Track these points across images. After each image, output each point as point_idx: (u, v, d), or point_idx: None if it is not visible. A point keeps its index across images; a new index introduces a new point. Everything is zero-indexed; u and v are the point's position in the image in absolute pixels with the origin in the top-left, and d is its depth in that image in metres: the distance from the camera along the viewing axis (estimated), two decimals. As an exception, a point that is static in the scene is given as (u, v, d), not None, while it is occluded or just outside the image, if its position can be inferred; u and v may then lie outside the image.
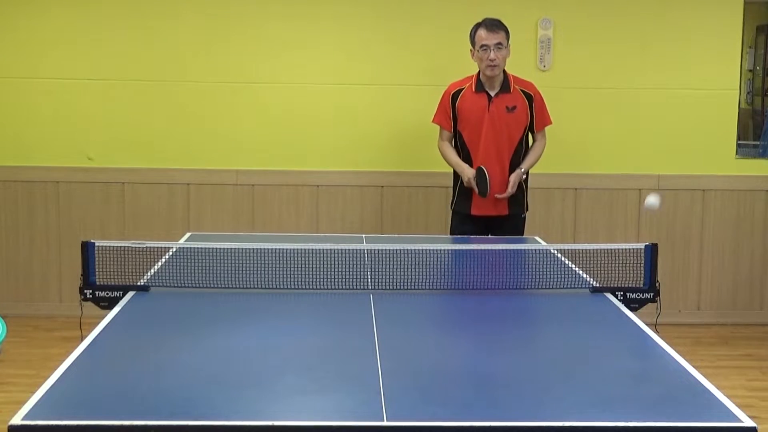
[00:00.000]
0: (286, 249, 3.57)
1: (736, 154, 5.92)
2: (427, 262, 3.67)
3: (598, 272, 3.50)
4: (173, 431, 2.07)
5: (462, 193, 5.00)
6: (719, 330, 5.87)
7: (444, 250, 3.99)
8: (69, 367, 2.43)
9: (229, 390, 2.29)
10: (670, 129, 5.82)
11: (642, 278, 3.36)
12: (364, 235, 4.53)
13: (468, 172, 4.89)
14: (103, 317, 2.94)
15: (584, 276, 3.51)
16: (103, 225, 5.78)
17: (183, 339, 2.76)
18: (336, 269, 3.45)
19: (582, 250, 3.71)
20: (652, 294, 3.33)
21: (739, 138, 5.93)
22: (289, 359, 2.58)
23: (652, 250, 3.35)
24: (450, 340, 2.90)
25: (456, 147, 5.03)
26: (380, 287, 3.32)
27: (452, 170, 5.06)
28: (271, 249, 3.52)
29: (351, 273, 3.40)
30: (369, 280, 3.38)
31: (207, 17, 5.70)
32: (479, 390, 2.35)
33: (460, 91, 4.96)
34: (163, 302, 3.21)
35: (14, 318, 5.33)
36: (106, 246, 3.38)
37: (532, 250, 4.01)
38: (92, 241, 3.33)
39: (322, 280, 3.39)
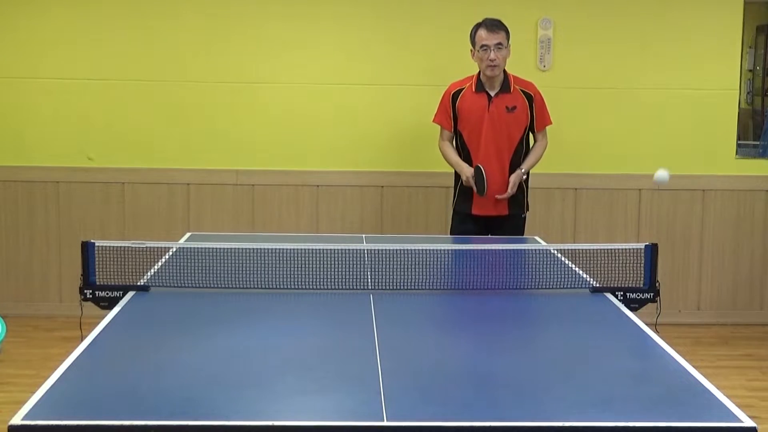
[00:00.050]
0: (286, 249, 3.57)
1: (736, 154, 5.92)
2: (427, 262, 3.67)
3: (598, 272, 3.50)
4: (173, 431, 2.07)
5: (462, 192, 5.00)
6: (719, 330, 5.87)
7: (444, 250, 3.99)
8: (69, 367, 2.43)
9: (229, 390, 2.29)
10: (670, 129, 5.82)
11: (642, 278, 3.36)
12: (364, 235, 4.54)
13: (467, 171, 4.89)
14: (103, 317, 2.94)
15: (584, 276, 3.51)
16: (103, 225, 5.78)
17: (183, 339, 2.76)
18: (336, 269, 3.45)
19: (582, 250, 3.71)
20: (652, 294, 3.33)
21: (739, 138, 5.93)
22: (289, 359, 2.58)
23: (652, 250, 3.35)
24: (450, 340, 2.90)
25: (456, 147, 5.03)
26: (380, 287, 3.32)
27: (453, 170, 5.06)
28: (271, 249, 3.52)
29: (351, 273, 3.40)
30: (369, 280, 3.38)
31: (207, 17, 5.70)
32: (479, 390, 2.35)
33: (460, 91, 4.96)
34: (163, 302, 3.21)
35: (14, 318, 5.33)
36: (106, 246, 3.38)
37: (532, 250, 4.02)
38: (92, 241, 3.33)
39: (322, 280, 3.38)
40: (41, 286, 5.87)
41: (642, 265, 3.37)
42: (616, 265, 3.49)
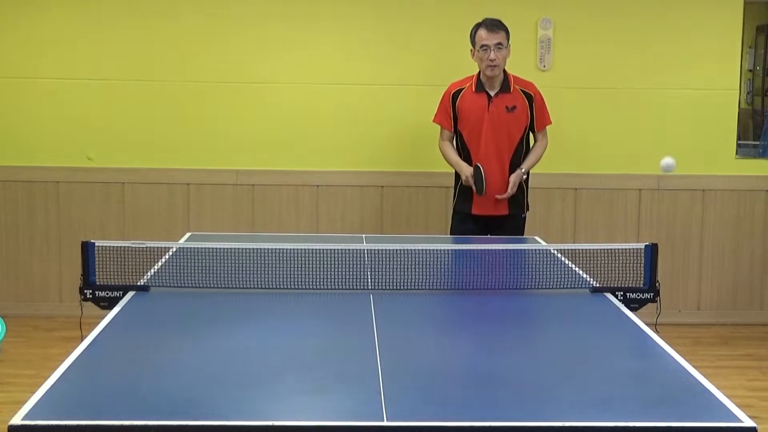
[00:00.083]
0: (286, 249, 3.57)
1: (736, 154, 5.92)
2: (427, 262, 3.67)
3: (598, 272, 3.50)
4: (173, 431, 2.07)
5: (462, 192, 5.00)
6: (719, 330, 5.87)
7: (444, 250, 3.99)
8: (69, 367, 2.43)
9: (229, 390, 2.29)
10: (670, 129, 5.81)
11: (642, 278, 3.36)
12: (364, 235, 4.54)
13: (466, 171, 4.90)
14: (103, 317, 2.94)
15: (584, 276, 3.51)
16: (103, 225, 5.78)
17: (183, 339, 2.76)
18: (336, 269, 3.45)
19: (582, 250, 3.71)
20: (652, 294, 3.33)
21: (739, 138, 5.93)
22: (289, 359, 2.58)
23: (652, 250, 3.35)
24: (450, 340, 2.90)
25: (456, 147, 5.03)
26: (380, 287, 3.32)
27: (453, 170, 5.06)
28: (271, 249, 3.52)
29: (351, 273, 3.40)
30: (369, 280, 3.38)
31: (207, 17, 5.70)
32: (479, 390, 2.35)
33: (460, 90, 4.97)
34: (163, 302, 3.21)
35: (14, 318, 5.33)
36: (106, 246, 3.38)
37: (532, 250, 4.02)
38: (92, 241, 3.33)
39: (322, 280, 3.38)
40: (41, 286, 5.87)
41: (642, 265, 3.37)
42: (616, 265, 3.49)
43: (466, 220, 5.00)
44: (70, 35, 5.69)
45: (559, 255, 3.82)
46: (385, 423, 2.09)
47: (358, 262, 3.48)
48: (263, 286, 3.29)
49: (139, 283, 3.31)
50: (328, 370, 2.48)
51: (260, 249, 3.52)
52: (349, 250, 3.57)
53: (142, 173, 5.77)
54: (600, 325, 3.07)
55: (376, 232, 5.70)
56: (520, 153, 4.98)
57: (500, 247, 3.99)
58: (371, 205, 5.82)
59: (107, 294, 3.24)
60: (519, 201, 5.00)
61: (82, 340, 2.67)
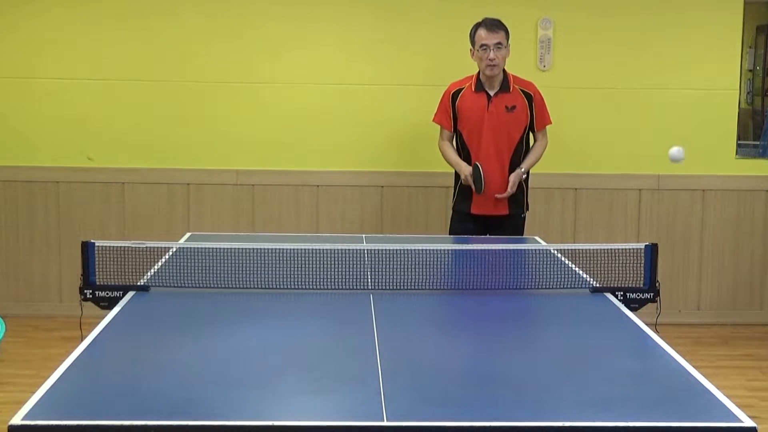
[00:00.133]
0: (286, 249, 3.57)
1: (736, 154, 5.92)
2: (427, 262, 3.67)
3: (598, 272, 3.50)
4: (173, 431, 2.07)
5: (462, 192, 5.01)
6: (719, 330, 5.87)
7: (444, 250, 3.98)
8: (69, 367, 2.43)
9: (229, 390, 2.29)
10: (670, 129, 5.81)
11: (642, 278, 3.36)
12: (364, 235, 4.53)
13: (465, 170, 4.90)
14: (103, 317, 2.94)
15: (584, 276, 3.51)
16: (103, 225, 5.78)
17: (183, 339, 2.76)
18: (336, 269, 3.45)
19: (582, 250, 3.71)
20: (652, 294, 3.33)
21: (739, 138, 5.93)
22: (289, 359, 2.58)
23: (652, 250, 3.35)
24: (450, 340, 2.90)
25: (456, 147, 5.04)
26: (380, 287, 3.32)
27: (453, 170, 5.06)
28: (271, 249, 3.52)
29: (351, 273, 3.40)
30: (369, 280, 3.38)
31: (207, 17, 5.70)
32: (479, 390, 2.35)
33: (459, 90, 4.97)
34: (163, 302, 3.21)
35: (14, 318, 5.34)
36: (106, 246, 3.38)
37: (532, 250, 4.01)
38: (92, 241, 3.33)
39: (322, 280, 3.38)
40: (41, 286, 5.87)
41: (642, 265, 3.37)
42: (616, 265, 3.49)
43: (465, 220, 5.00)
44: (70, 35, 5.69)
45: (559, 255, 3.82)
46: (385, 423, 2.09)
47: (358, 262, 3.48)
48: (263, 286, 3.29)
49: (139, 283, 3.31)
50: (328, 370, 2.48)
51: (260, 249, 3.52)
52: (349, 250, 3.57)
53: (142, 173, 5.77)
54: (600, 325, 3.07)
55: (376, 232, 5.70)
56: (520, 153, 4.98)
57: (500, 247, 3.99)
58: (371, 205, 5.82)
59: (107, 294, 3.24)
60: (519, 201, 5.00)
61: (82, 340, 2.67)
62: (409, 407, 2.20)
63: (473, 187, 4.86)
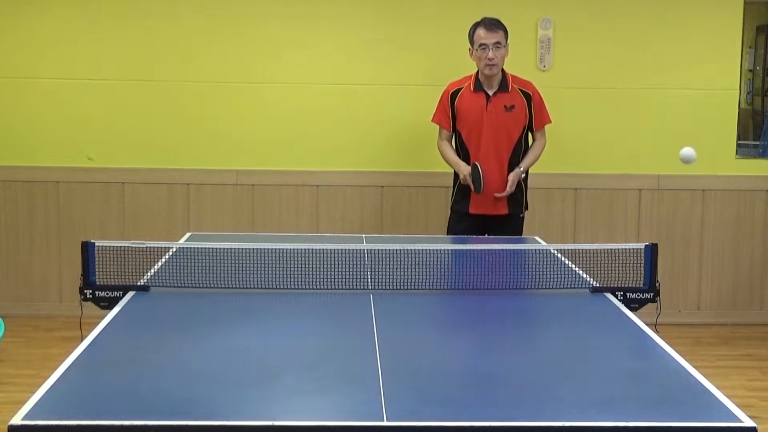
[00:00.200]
0: (286, 249, 3.57)
1: (736, 154, 5.92)
2: (427, 262, 3.67)
3: (598, 272, 3.50)
4: (173, 431, 2.07)
5: (460, 191, 5.01)
6: (719, 330, 5.87)
7: (444, 250, 3.98)
8: (69, 367, 2.43)
9: (229, 390, 2.29)
10: (670, 129, 5.81)
11: (642, 278, 3.36)
12: (364, 235, 4.53)
13: (464, 170, 4.90)
14: (103, 317, 2.94)
15: (584, 276, 3.51)
16: (103, 225, 5.78)
17: (183, 339, 2.76)
18: (336, 269, 3.45)
19: (582, 250, 3.71)
20: (652, 294, 3.33)
21: (739, 138, 5.93)
22: (289, 359, 2.58)
23: (652, 250, 3.35)
24: (450, 340, 2.90)
25: (456, 146, 5.04)
26: (380, 287, 3.32)
27: (452, 170, 5.06)
28: (271, 249, 3.52)
29: (351, 273, 3.39)
30: (369, 280, 3.38)
31: (207, 17, 5.70)
32: (479, 390, 2.35)
33: (458, 90, 4.97)
34: (163, 302, 3.21)
35: (14, 318, 5.35)
36: (106, 246, 3.38)
37: (532, 250, 4.01)
38: (92, 241, 3.33)
39: (322, 280, 3.38)
40: (41, 286, 5.87)
41: (642, 265, 3.37)
42: (616, 265, 3.49)
43: (464, 220, 5.00)
44: (70, 35, 5.69)
45: (559, 255, 3.82)
46: (385, 423, 2.09)
47: (358, 262, 3.48)
48: (263, 286, 3.29)
49: (139, 283, 3.31)
50: (328, 370, 2.48)
51: (260, 249, 3.52)
52: (349, 250, 3.57)
53: (142, 173, 5.77)
54: (600, 325, 3.07)
55: (376, 232, 5.70)
56: (519, 152, 4.99)
57: (500, 247, 3.99)
58: (371, 205, 5.83)
59: (107, 294, 3.24)
60: (518, 200, 5.00)
61: (82, 340, 2.67)
62: (409, 407, 2.20)
63: (472, 186, 4.87)
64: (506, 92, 4.92)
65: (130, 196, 5.79)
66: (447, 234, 5.10)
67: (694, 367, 2.49)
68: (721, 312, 5.98)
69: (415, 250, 3.65)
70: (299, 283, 3.34)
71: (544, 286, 3.43)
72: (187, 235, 4.55)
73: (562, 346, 2.82)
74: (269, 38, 5.71)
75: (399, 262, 3.49)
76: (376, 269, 3.42)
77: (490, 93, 4.91)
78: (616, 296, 3.31)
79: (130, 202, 5.79)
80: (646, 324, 2.96)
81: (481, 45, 4.84)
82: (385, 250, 3.55)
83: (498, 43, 4.83)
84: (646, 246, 3.38)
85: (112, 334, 2.79)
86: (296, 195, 5.81)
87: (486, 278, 3.49)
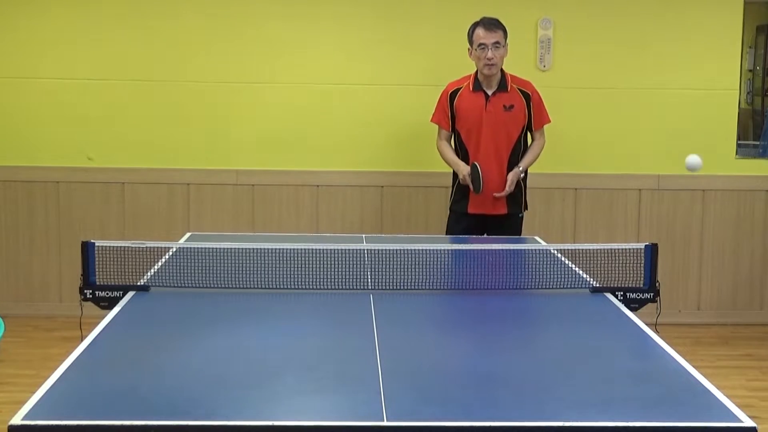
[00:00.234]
0: (286, 249, 3.57)
1: (736, 154, 5.92)
2: (427, 262, 3.67)
3: (598, 272, 3.50)
4: (173, 431, 2.07)
5: (459, 191, 5.01)
6: (719, 330, 5.87)
7: (444, 250, 3.98)
8: (69, 367, 2.43)
9: (229, 390, 2.29)
10: (670, 129, 5.82)
11: (642, 278, 3.36)
12: (364, 235, 4.53)
13: (464, 170, 4.90)
14: (103, 317, 2.94)
15: (584, 276, 3.51)
16: (103, 225, 5.78)
17: (183, 339, 2.76)
18: (336, 269, 3.45)
19: (582, 250, 3.70)
20: (652, 294, 3.33)
21: (739, 138, 5.93)
22: (289, 359, 2.58)
23: (652, 250, 3.35)
24: (450, 340, 2.90)
25: (455, 146, 5.04)
26: (380, 287, 3.32)
27: (452, 169, 5.06)
28: (271, 249, 3.52)
29: (351, 273, 3.39)
30: (369, 280, 3.38)
31: (207, 17, 5.70)
32: (479, 390, 2.35)
33: (457, 90, 4.97)
34: (163, 302, 3.21)
35: (14, 318, 5.35)
36: (106, 246, 3.37)
37: (532, 250, 4.01)
38: (92, 241, 3.33)
39: (322, 280, 3.38)
40: (41, 286, 5.87)
41: (642, 265, 3.37)
42: (616, 265, 3.49)
43: (462, 219, 5.00)
44: (70, 35, 5.69)
45: (559, 255, 3.82)
46: (385, 423, 2.09)
47: (358, 262, 3.48)
48: (263, 286, 3.29)
49: (139, 283, 3.31)
50: (328, 370, 2.48)
51: (260, 249, 3.52)
52: (349, 250, 3.57)
53: (142, 173, 5.77)
54: (600, 325, 3.07)
55: (376, 232, 5.70)
56: (518, 152, 4.99)
57: (500, 247, 3.99)
58: (371, 205, 5.83)
59: (107, 294, 3.24)
60: (517, 200, 5.00)
61: (82, 340, 2.67)
62: (409, 407, 2.20)
63: (471, 186, 4.87)
64: (505, 92, 4.92)
65: (130, 196, 5.79)
66: (446, 234, 5.10)
67: (694, 367, 2.49)
68: (721, 312, 5.98)
69: (414, 250, 3.65)
70: (299, 283, 3.34)
71: (544, 286, 3.42)
72: (187, 235, 4.55)
73: (562, 346, 2.82)
74: (269, 38, 5.71)
75: (399, 262, 3.49)
76: (376, 269, 3.42)
77: (489, 93, 4.92)
78: (616, 296, 3.31)
79: (130, 202, 5.79)
80: (646, 324, 2.96)
81: (480, 45, 4.84)
82: (385, 250, 3.55)
83: (497, 42, 4.83)
84: (646, 246, 3.38)
85: (112, 334, 2.79)
86: (296, 195, 5.81)
87: (486, 278, 3.49)
